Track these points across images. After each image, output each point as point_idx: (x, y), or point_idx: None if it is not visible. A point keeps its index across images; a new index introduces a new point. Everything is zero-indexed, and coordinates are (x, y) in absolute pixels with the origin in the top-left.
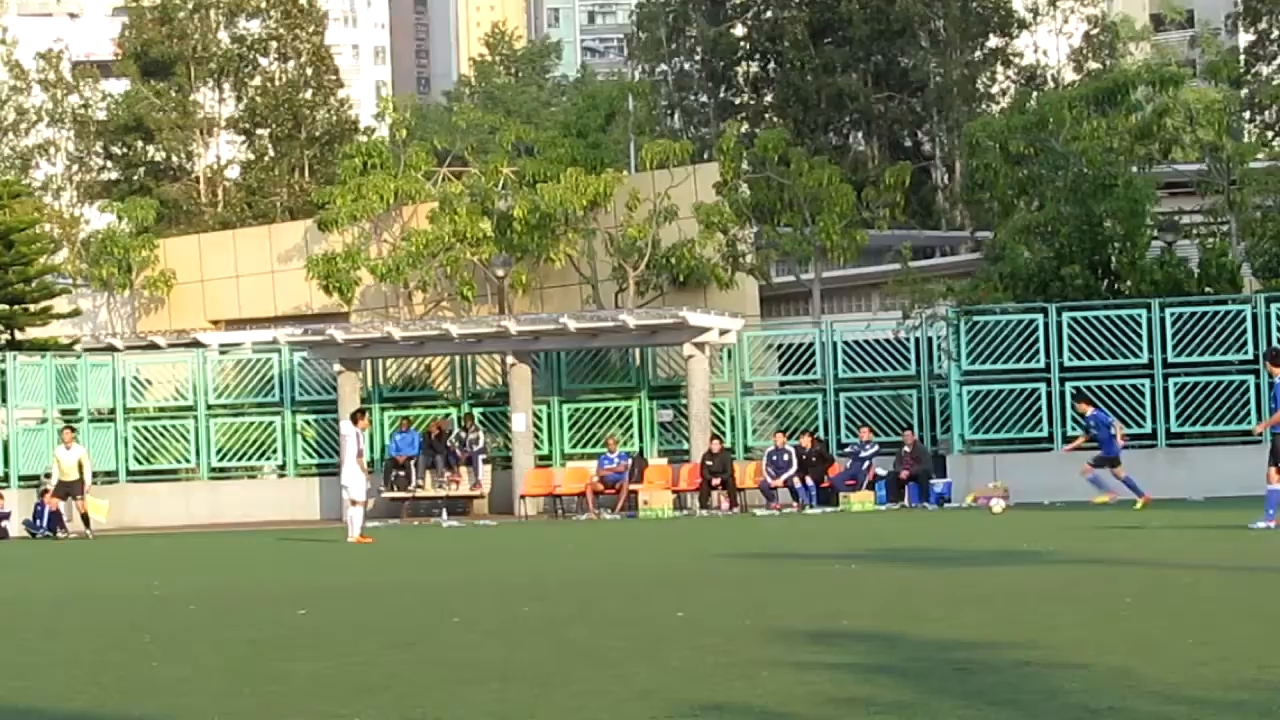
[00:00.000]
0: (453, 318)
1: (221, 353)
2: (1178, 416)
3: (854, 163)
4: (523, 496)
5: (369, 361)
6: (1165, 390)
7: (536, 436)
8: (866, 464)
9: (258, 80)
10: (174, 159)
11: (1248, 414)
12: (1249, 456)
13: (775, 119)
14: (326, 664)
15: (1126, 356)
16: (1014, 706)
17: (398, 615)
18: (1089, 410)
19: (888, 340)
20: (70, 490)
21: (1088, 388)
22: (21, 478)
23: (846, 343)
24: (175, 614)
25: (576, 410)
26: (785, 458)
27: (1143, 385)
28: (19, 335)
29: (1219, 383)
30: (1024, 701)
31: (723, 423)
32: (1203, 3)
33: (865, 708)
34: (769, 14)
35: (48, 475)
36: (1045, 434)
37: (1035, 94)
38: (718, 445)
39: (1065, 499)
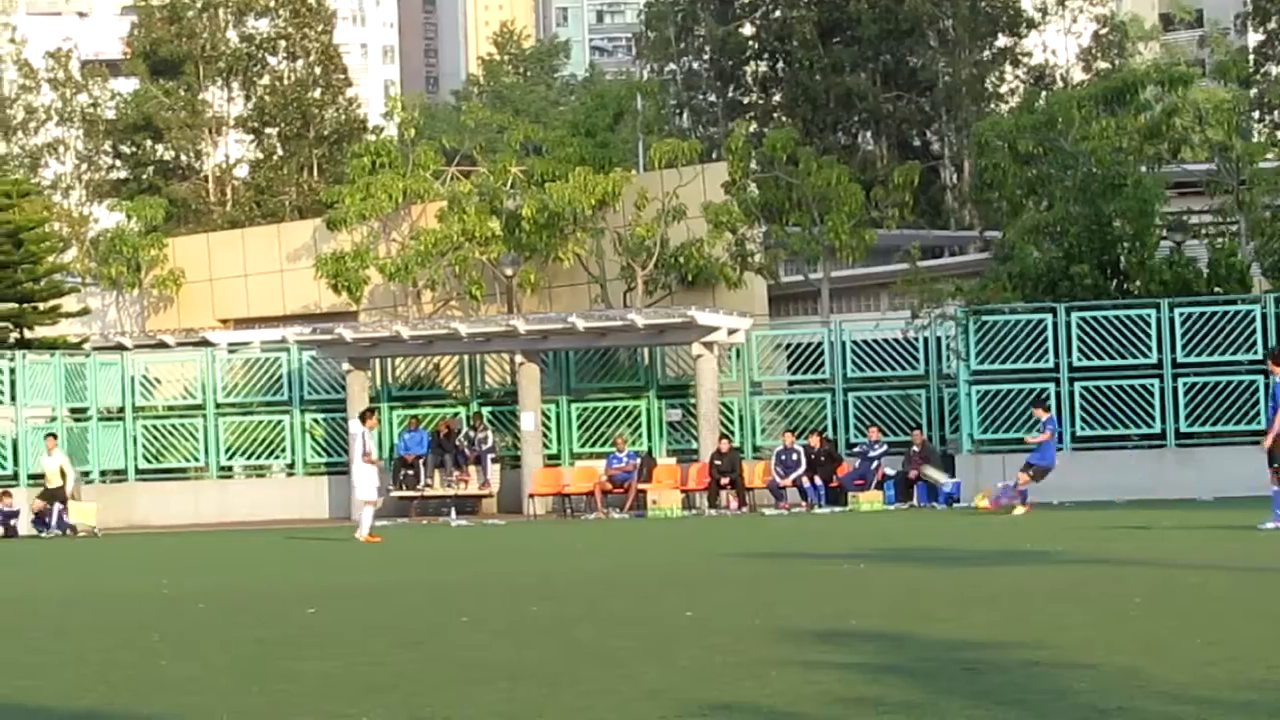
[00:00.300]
0: (461, 317)
1: (230, 352)
2: (1187, 416)
3: (863, 162)
4: (531, 496)
5: (378, 360)
6: (1174, 390)
7: (545, 436)
8: (875, 464)
9: (266, 79)
10: (183, 158)
11: (1257, 414)
12: (1258, 457)
13: (784, 118)
14: (335, 663)
15: (1136, 356)
16: (1022, 706)
17: (406, 614)
18: (1045, 415)
19: (896, 340)
20: (56, 495)
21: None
22: (31, 476)
23: (855, 342)
24: (184, 613)
25: (585, 409)
26: (794, 457)
27: (1152, 385)
28: (28, 334)
29: (1228, 383)
30: (1032, 701)
31: (731, 422)
32: (1212, 2)
33: (874, 708)
34: (778, 13)
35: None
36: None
37: (1044, 93)
38: (726, 445)
39: (1074, 499)
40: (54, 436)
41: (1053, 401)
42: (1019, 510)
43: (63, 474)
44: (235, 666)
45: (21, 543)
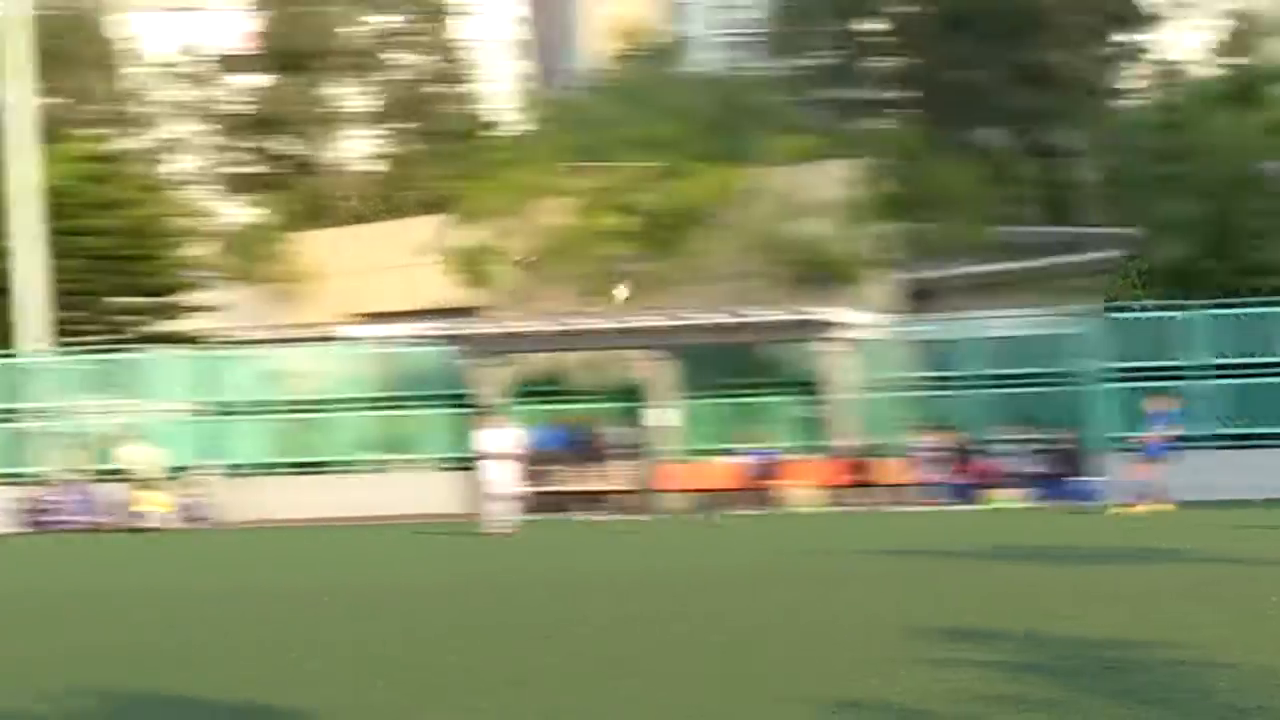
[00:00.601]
0: (592, 312)
1: (361, 346)
2: None
3: (993, 159)
4: (665, 492)
5: (510, 356)
6: None
7: (679, 431)
8: (1012, 461)
9: (393, 74)
10: (311, 153)
11: None
12: None
13: (913, 114)
14: (468, 657)
15: (1272, 353)
16: (1165, 705)
17: (538, 609)
18: (1161, 410)
19: (1030, 337)
20: (145, 486)
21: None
22: (171, 470)
23: (989, 339)
24: (316, 607)
25: (719, 406)
26: (929, 454)
27: None
28: (158, 329)
29: None
30: (1175, 700)
31: (865, 419)
32: None
33: (1015, 705)
34: (907, 8)
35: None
36: (1192, 431)
37: (1175, 90)
38: (858, 441)
39: (1213, 498)
40: (135, 429)
41: (1181, 398)
42: (1141, 508)
43: (146, 464)
44: (369, 660)
45: (156, 537)
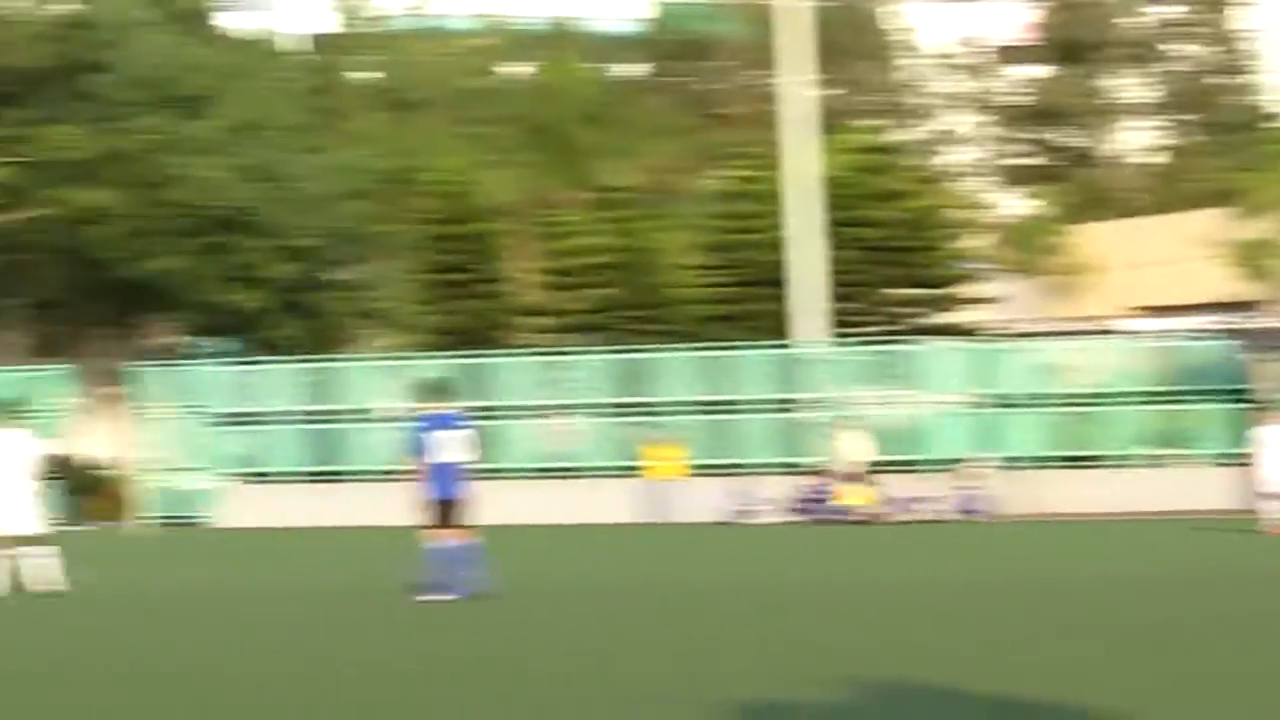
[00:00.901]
0: None
1: (1137, 339)
2: None
3: None
4: None
5: None
6: None
7: None
8: None
9: (1173, 65)
10: (1090, 145)
11: None
12: None
13: None
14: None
15: None
16: None
17: None
18: None
19: None
20: (852, 477)
21: None
22: (935, 462)
23: None
24: (1074, 601)
25: None
26: None
27: None
28: (934, 321)
29: None
30: None
31: None
32: None
33: None
34: None
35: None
36: None
37: None
38: None
39: None
40: (850, 421)
41: None
42: None
43: (852, 456)
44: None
45: (934, 529)
